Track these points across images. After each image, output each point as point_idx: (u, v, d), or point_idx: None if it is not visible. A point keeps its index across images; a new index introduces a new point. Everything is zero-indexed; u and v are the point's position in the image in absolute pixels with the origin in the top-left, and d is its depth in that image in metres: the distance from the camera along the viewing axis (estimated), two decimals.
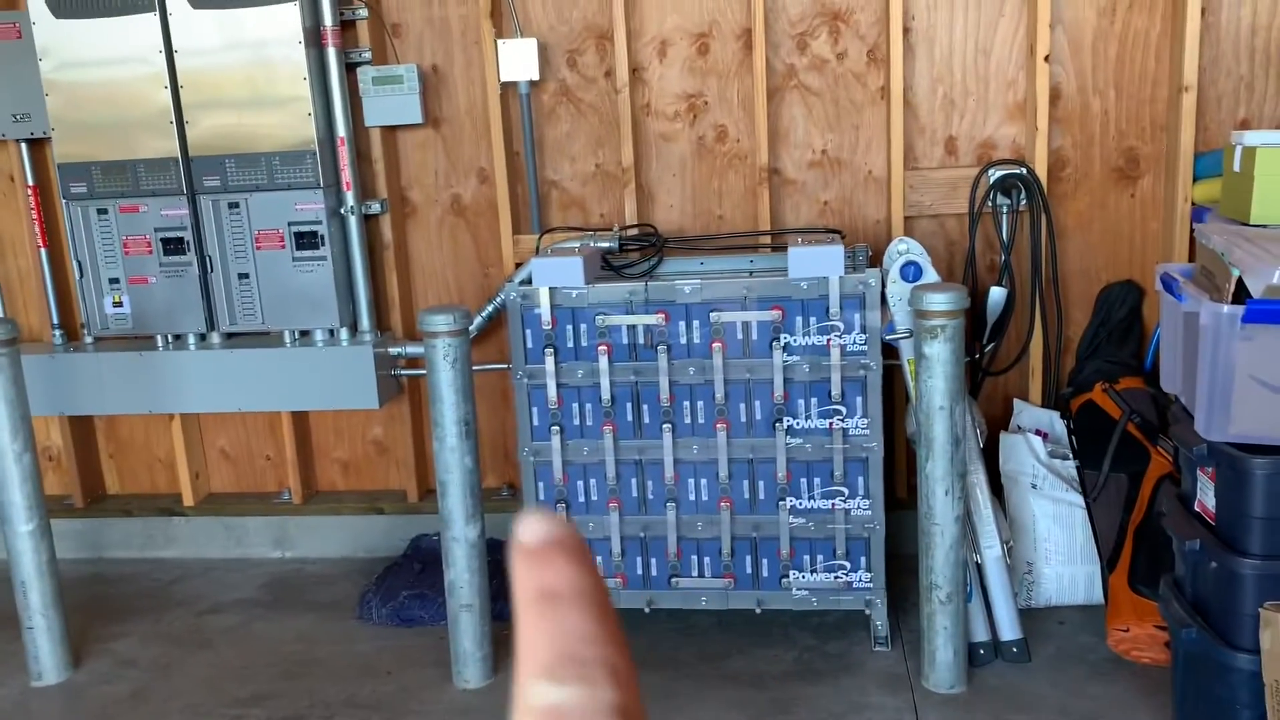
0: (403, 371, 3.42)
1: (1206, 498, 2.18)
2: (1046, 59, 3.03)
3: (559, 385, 2.80)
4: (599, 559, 2.89)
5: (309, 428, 3.68)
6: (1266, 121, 3.02)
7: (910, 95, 3.16)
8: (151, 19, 3.08)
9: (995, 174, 3.09)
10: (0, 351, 2.72)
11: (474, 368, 2.85)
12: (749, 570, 2.83)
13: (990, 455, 2.95)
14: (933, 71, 3.16)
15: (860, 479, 2.74)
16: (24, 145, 3.40)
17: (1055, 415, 3.09)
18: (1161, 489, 2.73)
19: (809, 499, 2.77)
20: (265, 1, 3.03)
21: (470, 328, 2.78)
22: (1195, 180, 2.98)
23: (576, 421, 2.83)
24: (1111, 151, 3.13)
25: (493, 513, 2.85)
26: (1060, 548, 2.89)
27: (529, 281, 2.82)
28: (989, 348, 3.15)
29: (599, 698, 0.24)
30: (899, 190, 3.17)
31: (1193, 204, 2.98)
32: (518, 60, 3.17)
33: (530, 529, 0.27)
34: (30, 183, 3.43)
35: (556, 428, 2.82)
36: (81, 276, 3.29)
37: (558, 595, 0.25)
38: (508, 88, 3.27)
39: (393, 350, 3.34)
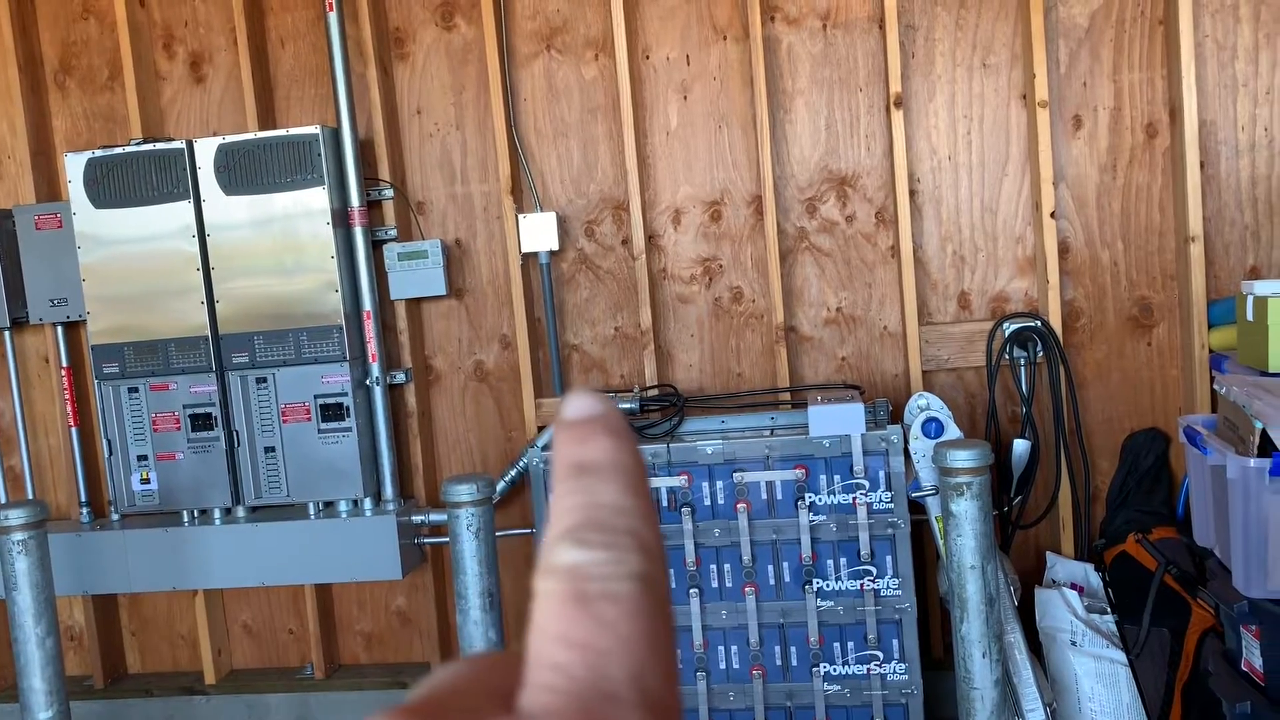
0: (426, 539, 3.40)
1: (1253, 657, 2.11)
2: (1053, 215, 3.10)
3: None
4: None
5: (332, 599, 3.64)
6: (1275, 268, 3.06)
7: (920, 253, 3.23)
8: (186, 206, 3.21)
9: (1010, 327, 3.12)
10: (28, 534, 2.74)
11: (498, 533, 2.83)
12: None
13: (1025, 611, 2.88)
14: (941, 230, 3.23)
15: (894, 641, 2.68)
16: (59, 328, 3.50)
17: (1090, 568, 3.03)
18: (1205, 645, 2.65)
19: (843, 664, 2.70)
20: (295, 186, 3.17)
21: (494, 495, 2.78)
22: (1211, 327, 3.00)
23: None
24: (1124, 301, 3.17)
25: None
26: (1106, 708, 2.78)
27: (550, 446, 2.83)
28: (1017, 500, 3.12)
29: (623, 562, 0.23)
30: (915, 345, 3.20)
31: (1210, 351, 3.00)
32: (538, 232, 3.27)
33: (574, 405, 0.27)
34: (64, 364, 3.52)
35: None
36: (111, 454, 3.34)
37: (594, 468, 0.25)
38: (528, 258, 3.36)
39: (416, 518, 3.33)
